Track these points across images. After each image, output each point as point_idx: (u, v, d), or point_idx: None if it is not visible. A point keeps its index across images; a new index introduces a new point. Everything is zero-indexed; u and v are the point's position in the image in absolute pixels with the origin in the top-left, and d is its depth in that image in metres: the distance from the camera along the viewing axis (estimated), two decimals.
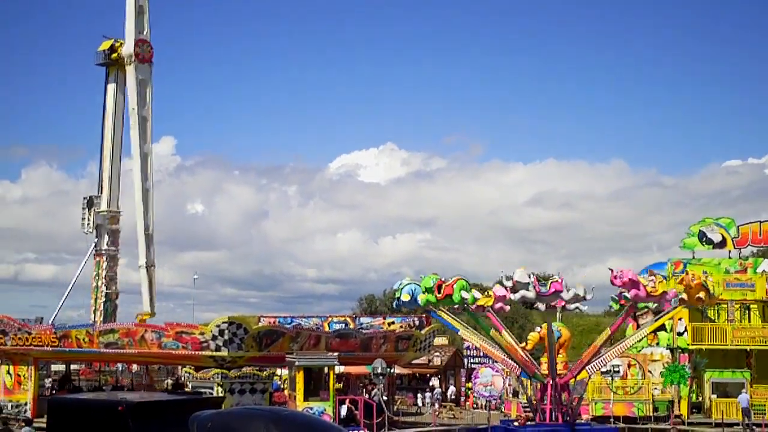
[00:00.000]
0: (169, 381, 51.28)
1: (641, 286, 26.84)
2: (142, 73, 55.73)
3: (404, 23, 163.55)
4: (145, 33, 56.17)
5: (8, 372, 42.39)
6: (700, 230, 49.55)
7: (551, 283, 27.17)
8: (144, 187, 57.39)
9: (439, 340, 53.01)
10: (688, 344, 45.52)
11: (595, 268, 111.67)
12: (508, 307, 29.67)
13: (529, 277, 27.14)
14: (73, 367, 52.65)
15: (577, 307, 28.45)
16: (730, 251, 49.30)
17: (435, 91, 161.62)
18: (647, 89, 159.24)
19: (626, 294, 27.97)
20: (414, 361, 50.04)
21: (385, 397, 41.44)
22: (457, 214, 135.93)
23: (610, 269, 27.73)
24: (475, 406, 49.42)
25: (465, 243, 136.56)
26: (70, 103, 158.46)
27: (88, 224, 58.96)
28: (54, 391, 45.11)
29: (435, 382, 54.95)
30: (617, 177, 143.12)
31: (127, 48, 55.54)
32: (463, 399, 52.36)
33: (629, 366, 44.79)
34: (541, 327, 31.34)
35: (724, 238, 49.21)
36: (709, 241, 49.40)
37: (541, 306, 28.21)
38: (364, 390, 48.11)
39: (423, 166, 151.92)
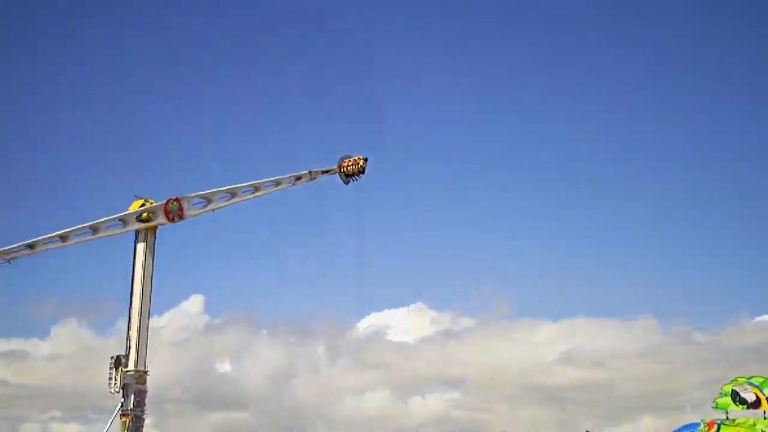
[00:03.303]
0: None
1: None
2: (192, 210, 58.97)
3: (426, 186, 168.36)
4: (150, 203, 58.48)
5: None
6: (732, 389, 51.61)
7: None
8: None
9: None
10: None
11: (627, 427, 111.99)
12: None
13: None
14: None
15: None
16: (765, 411, 51.00)
17: (464, 251, 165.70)
18: (677, 245, 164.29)
19: None
20: None
21: None
22: (486, 373, 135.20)
23: None
24: None
25: (495, 402, 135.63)
26: (100, 260, 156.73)
27: (115, 383, 57.93)
28: None
29: None
30: (647, 333, 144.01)
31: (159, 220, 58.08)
32: None
33: None
34: None
35: (758, 397, 51.24)
36: (743, 401, 51.45)
37: None
38: None
39: (452, 325, 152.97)
